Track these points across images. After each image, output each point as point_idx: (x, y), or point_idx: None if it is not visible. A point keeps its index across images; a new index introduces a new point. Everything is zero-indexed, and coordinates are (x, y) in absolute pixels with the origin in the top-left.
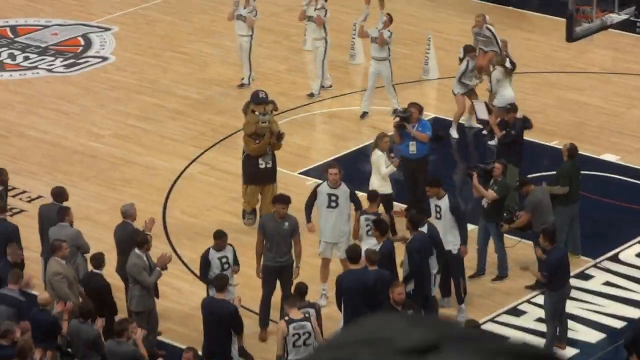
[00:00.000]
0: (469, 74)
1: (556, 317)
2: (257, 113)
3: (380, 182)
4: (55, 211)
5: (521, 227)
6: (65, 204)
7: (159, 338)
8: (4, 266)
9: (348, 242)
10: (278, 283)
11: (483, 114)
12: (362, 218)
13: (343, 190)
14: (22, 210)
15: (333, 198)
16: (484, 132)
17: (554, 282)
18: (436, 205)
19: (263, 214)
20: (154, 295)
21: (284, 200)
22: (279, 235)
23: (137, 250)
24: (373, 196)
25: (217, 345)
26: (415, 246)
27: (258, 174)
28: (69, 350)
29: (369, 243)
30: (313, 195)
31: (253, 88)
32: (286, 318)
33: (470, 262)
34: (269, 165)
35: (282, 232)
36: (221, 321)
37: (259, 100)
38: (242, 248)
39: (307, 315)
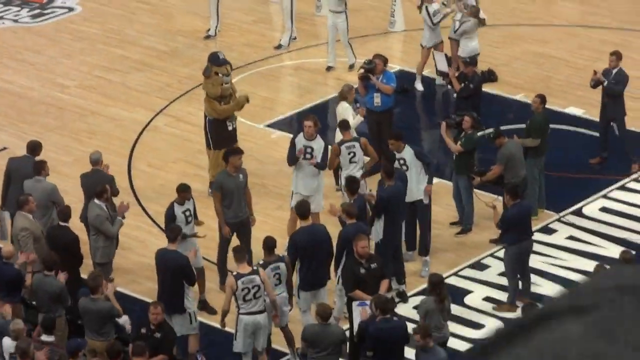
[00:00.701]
0: (437, 16)
1: (516, 271)
2: (220, 75)
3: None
4: (25, 164)
5: (492, 180)
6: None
7: (123, 290)
8: None
9: (321, 196)
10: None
11: (443, 65)
12: (343, 147)
13: (318, 143)
14: None
15: (308, 150)
16: (446, 84)
17: (510, 237)
18: (400, 159)
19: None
20: (116, 246)
21: (239, 151)
22: (237, 189)
23: (96, 201)
24: (345, 125)
25: (170, 297)
26: (385, 195)
27: (227, 136)
28: (34, 303)
29: (351, 170)
30: (292, 146)
31: (219, 39)
32: (234, 273)
33: (438, 215)
34: (235, 126)
35: (239, 185)
36: (173, 272)
37: (220, 62)
38: (208, 201)
39: (255, 268)
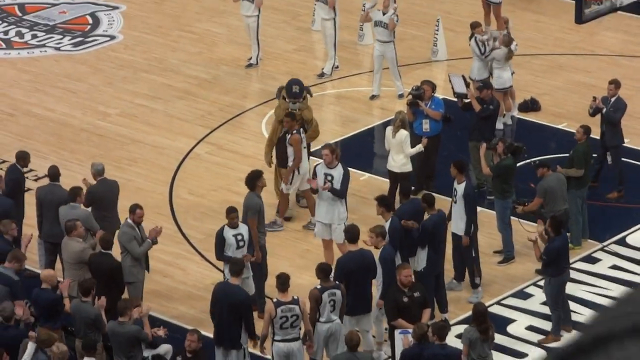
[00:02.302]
0: (487, 44)
1: (559, 302)
2: (287, 100)
3: (405, 160)
4: (52, 191)
5: (534, 211)
6: (71, 183)
7: (162, 317)
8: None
9: (342, 227)
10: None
11: (460, 87)
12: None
13: (338, 171)
14: (28, 189)
15: (329, 178)
16: (461, 107)
17: (553, 269)
18: (454, 189)
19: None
20: (145, 268)
21: (261, 172)
22: (263, 209)
23: (129, 220)
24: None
25: (229, 332)
26: (430, 224)
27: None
28: (72, 328)
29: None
30: (313, 175)
31: (261, 68)
32: (274, 300)
33: (481, 243)
34: None
35: (262, 205)
36: (233, 307)
37: (291, 95)
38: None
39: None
